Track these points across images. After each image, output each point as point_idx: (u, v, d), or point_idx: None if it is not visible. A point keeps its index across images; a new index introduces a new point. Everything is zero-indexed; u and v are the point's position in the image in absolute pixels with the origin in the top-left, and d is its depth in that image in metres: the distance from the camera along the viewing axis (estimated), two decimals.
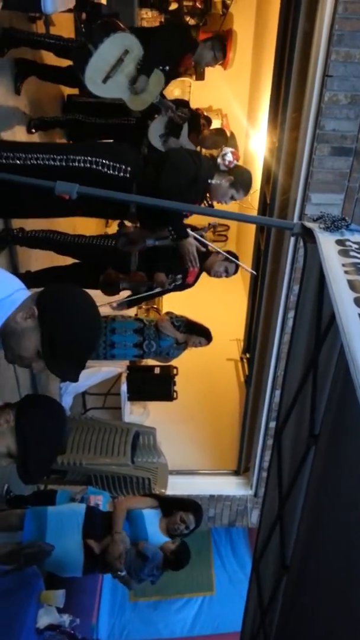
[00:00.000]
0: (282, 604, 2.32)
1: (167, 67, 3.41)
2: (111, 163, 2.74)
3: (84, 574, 2.87)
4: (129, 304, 3.78)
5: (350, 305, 1.15)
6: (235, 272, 3.58)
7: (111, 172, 2.75)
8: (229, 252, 3.54)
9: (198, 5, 6.94)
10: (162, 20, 6.66)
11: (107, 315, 3.91)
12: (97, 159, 2.73)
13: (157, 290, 3.49)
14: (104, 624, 4.75)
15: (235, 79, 6.44)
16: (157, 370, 4.89)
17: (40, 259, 3.82)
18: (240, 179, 3.03)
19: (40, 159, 2.70)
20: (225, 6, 6.87)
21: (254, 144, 6.20)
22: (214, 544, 5.45)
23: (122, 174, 2.76)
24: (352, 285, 1.22)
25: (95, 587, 4.72)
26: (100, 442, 3.98)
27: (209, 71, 6.41)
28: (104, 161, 2.73)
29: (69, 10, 4.10)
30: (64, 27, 4.50)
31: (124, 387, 4.83)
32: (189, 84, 7.01)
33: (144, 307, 5.67)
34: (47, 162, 2.70)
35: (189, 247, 3.01)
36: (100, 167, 2.73)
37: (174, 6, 6.81)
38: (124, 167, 2.76)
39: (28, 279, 3.53)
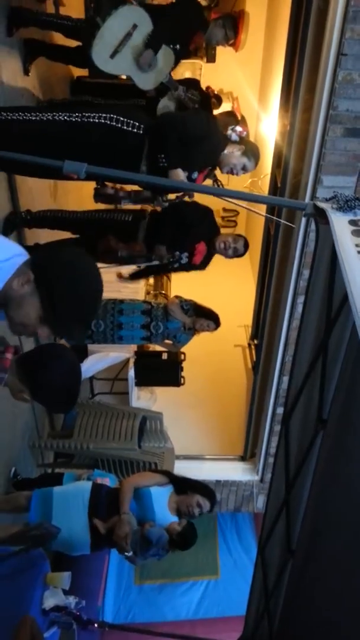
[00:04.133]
0: (286, 588, 2.32)
1: (178, 46, 3.35)
2: (125, 119, 2.81)
3: (92, 551, 2.87)
4: (132, 277, 3.78)
5: None
6: (244, 251, 3.55)
7: (125, 127, 2.82)
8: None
9: None
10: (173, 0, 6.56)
11: (116, 298, 3.90)
12: (112, 115, 2.80)
13: (156, 262, 3.41)
14: (110, 606, 4.80)
15: (247, 62, 6.34)
16: (164, 356, 4.88)
17: (49, 239, 3.80)
18: (251, 148, 3.11)
19: (56, 115, 2.77)
20: None
21: (265, 127, 6.11)
22: (219, 529, 5.49)
23: (135, 130, 2.83)
24: None
25: (102, 569, 4.76)
26: (107, 427, 3.98)
27: (220, 53, 6.31)
28: (118, 117, 2.80)
29: None
30: (74, 8, 4.44)
31: (131, 373, 4.83)
32: (200, 66, 6.90)
33: (152, 292, 5.65)
34: (63, 118, 2.77)
35: (177, 178, 2.94)
36: (114, 123, 2.79)
37: None
38: (137, 124, 2.83)
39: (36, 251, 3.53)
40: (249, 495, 5.07)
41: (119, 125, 2.80)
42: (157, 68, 3.15)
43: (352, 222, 1.40)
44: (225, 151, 3.07)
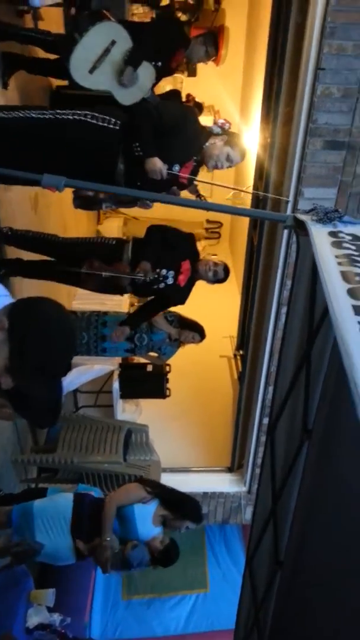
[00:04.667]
0: (275, 600, 2.31)
1: (160, 63, 3.38)
2: (100, 115, 2.78)
3: (77, 561, 2.84)
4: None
5: (344, 296, 1.13)
6: (224, 276, 3.57)
7: (101, 123, 2.78)
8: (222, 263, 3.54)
9: (190, 1, 6.90)
10: (154, 15, 6.62)
11: (99, 310, 3.89)
12: (86, 112, 2.77)
13: (141, 276, 3.30)
14: (97, 622, 4.73)
15: (228, 76, 6.43)
16: (149, 368, 4.87)
17: (30, 255, 3.78)
18: (234, 138, 3.06)
19: (29, 112, 2.74)
20: (217, 2, 6.84)
21: (247, 140, 6.15)
22: (208, 541, 5.45)
23: (111, 126, 2.79)
24: (345, 276, 1.20)
25: (88, 585, 4.70)
26: (92, 440, 3.95)
27: (201, 67, 6.37)
28: (93, 113, 2.77)
29: (58, 5, 4.06)
30: (53, 22, 4.45)
31: (116, 385, 4.80)
32: (181, 80, 6.98)
33: (136, 304, 5.64)
34: (37, 115, 2.73)
35: (153, 167, 2.87)
36: (89, 119, 2.76)
37: (165, 1, 6.77)
38: (113, 120, 2.79)
39: (18, 266, 3.49)
40: (236, 506, 5.04)
41: (94, 121, 2.76)
42: (137, 84, 3.17)
43: (332, 234, 1.42)
44: (207, 143, 3.01)
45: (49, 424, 1.91)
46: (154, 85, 3.39)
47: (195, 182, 3.29)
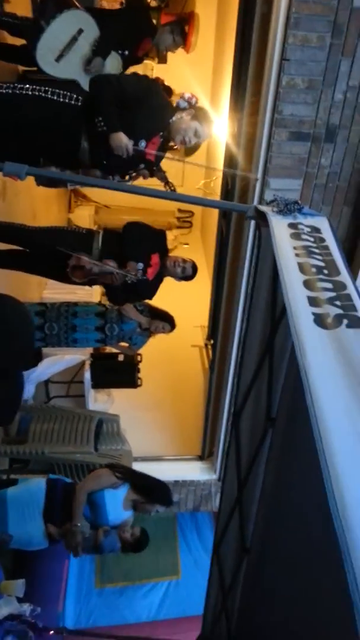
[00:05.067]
0: (243, 586, 2.35)
1: (126, 52, 3.34)
2: (61, 91, 2.66)
3: (50, 545, 2.87)
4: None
5: (300, 287, 1.15)
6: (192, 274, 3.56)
7: (62, 99, 2.67)
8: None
9: None
10: (123, 1, 6.53)
11: (69, 300, 3.86)
12: (47, 88, 2.65)
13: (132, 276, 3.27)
14: (70, 611, 4.74)
15: (198, 63, 6.39)
16: (121, 357, 4.87)
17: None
18: (202, 112, 2.94)
19: None
20: None
21: (217, 129, 6.16)
22: (179, 529, 5.50)
23: (73, 102, 2.68)
24: (301, 267, 1.22)
25: (61, 574, 4.71)
26: (63, 431, 3.95)
27: (171, 54, 6.30)
28: (54, 90, 2.66)
29: None
30: (20, 5, 4.36)
31: (87, 375, 4.79)
32: (152, 67, 6.91)
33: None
34: None
35: (118, 142, 2.71)
36: (49, 95, 2.65)
37: None
38: (75, 95, 2.69)
39: None
40: (207, 494, 5.10)
41: (54, 97, 2.66)
42: (105, 73, 3.14)
43: (292, 225, 1.44)
44: (174, 118, 2.89)
45: (6, 421, 1.89)
46: (121, 73, 3.36)
47: (164, 170, 3.25)
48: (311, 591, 1.75)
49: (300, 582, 1.84)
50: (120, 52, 3.19)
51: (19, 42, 3.60)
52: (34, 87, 2.65)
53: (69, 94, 2.69)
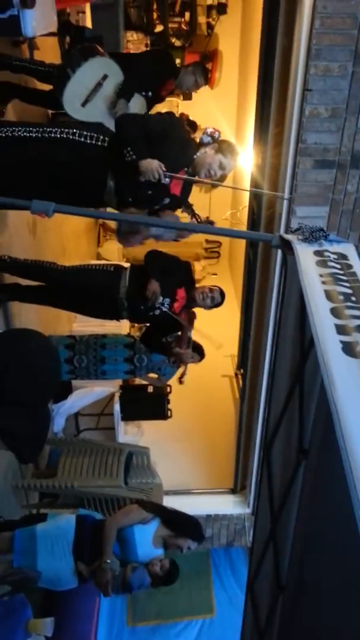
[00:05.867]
0: (279, 625, 2.26)
1: (150, 93, 3.43)
2: (88, 133, 2.72)
3: (79, 584, 2.81)
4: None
5: (327, 315, 1.13)
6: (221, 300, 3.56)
7: (89, 141, 2.72)
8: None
9: (183, 26, 7.05)
10: (148, 42, 6.75)
11: (98, 333, 3.89)
12: (74, 130, 2.71)
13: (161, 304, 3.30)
14: None
15: (223, 98, 6.53)
16: (150, 389, 4.85)
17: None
18: (226, 145, 2.96)
19: (15, 131, 2.68)
20: (210, 27, 6.98)
21: (242, 160, 6.23)
22: (213, 565, 5.35)
23: (99, 143, 2.73)
24: (328, 295, 1.20)
25: (92, 612, 4.61)
26: (92, 464, 3.91)
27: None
28: (81, 131, 2.71)
29: (53, 34, 4.14)
30: (49, 52, 4.55)
31: (117, 407, 4.78)
32: (177, 104, 7.09)
33: (136, 325, 5.65)
34: (23, 134, 2.68)
35: (148, 165, 2.71)
36: (77, 137, 2.70)
37: (159, 28, 6.92)
38: (101, 137, 2.74)
39: (15, 291, 3.48)
40: (241, 529, 4.98)
41: (82, 139, 2.72)
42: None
43: (317, 253, 1.42)
44: (198, 153, 2.91)
45: (32, 458, 1.89)
46: (146, 114, 3.44)
47: (191, 203, 3.29)
48: (353, 629, 1.67)
49: (340, 620, 1.76)
50: (144, 93, 3.28)
51: (47, 87, 3.73)
52: (62, 129, 2.74)
53: (95, 135, 2.75)
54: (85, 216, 2.41)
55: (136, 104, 3.20)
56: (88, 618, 4.49)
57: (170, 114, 3.13)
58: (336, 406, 0.89)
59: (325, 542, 1.83)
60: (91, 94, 3.07)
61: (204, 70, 3.69)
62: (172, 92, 4.31)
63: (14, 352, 1.43)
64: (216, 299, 3.52)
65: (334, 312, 1.14)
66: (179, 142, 2.88)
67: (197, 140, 3.01)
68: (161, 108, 6.58)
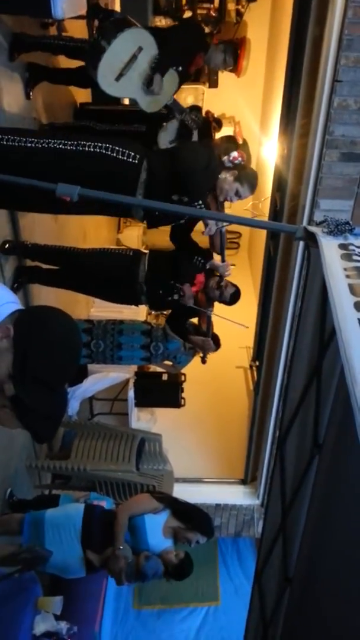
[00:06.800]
0: (285, 616, 2.28)
1: (181, 67, 3.39)
2: (120, 149, 2.76)
3: (87, 574, 2.84)
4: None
5: (350, 309, 1.12)
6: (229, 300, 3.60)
7: (120, 157, 2.77)
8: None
9: (212, 13, 6.96)
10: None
11: (116, 318, 3.91)
12: (107, 145, 2.76)
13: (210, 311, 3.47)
14: (107, 631, 4.70)
15: (249, 87, 6.44)
16: (165, 377, 4.87)
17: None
18: (244, 173, 3.04)
19: (52, 143, 2.73)
20: (239, 14, 6.88)
21: (266, 151, 6.18)
22: (220, 554, 5.39)
23: (130, 159, 2.78)
24: (352, 289, 1.19)
25: (99, 593, 4.68)
26: (105, 448, 3.95)
27: (222, 79, 6.41)
28: (113, 147, 2.76)
29: (81, 17, 4.12)
30: (77, 34, 4.53)
31: (131, 393, 4.81)
32: (202, 92, 7.02)
33: (153, 313, 5.66)
34: (58, 146, 2.73)
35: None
36: (109, 152, 2.75)
37: (187, 14, 6.84)
38: (132, 154, 2.78)
39: (36, 274, 3.52)
40: (249, 519, 5.00)
41: (114, 154, 2.76)
42: (162, 91, 3.18)
43: (342, 246, 1.41)
44: (220, 176, 3.02)
45: (47, 438, 1.89)
46: (176, 91, 3.41)
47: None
48: (359, 625, 1.68)
49: (345, 616, 1.77)
50: (175, 68, 3.23)
51: (75, 64, 3.70)
52: (96, 143, 2.77)
53: (127, 151, 2.79)
54: (110, 202, 2.41)
55: (169, 80, 3.16)
56: (95, 599, 4.55)
57: (207, 144, 3.23)
58: (357, 401, 0.89)
59: (335, 538, 1.83)
60: (125, 67, 3.00)
61: (235, 51, 3.65)
62: (199, 70, 4.26)
63: (41, 329, 1.43)
64: (224, 296, 3.53)
65: (358, 306, 1.13)
66: (215, 172, 3.00)
67: (221, 158, 3.09)
68: (187, 96, 6.56)
